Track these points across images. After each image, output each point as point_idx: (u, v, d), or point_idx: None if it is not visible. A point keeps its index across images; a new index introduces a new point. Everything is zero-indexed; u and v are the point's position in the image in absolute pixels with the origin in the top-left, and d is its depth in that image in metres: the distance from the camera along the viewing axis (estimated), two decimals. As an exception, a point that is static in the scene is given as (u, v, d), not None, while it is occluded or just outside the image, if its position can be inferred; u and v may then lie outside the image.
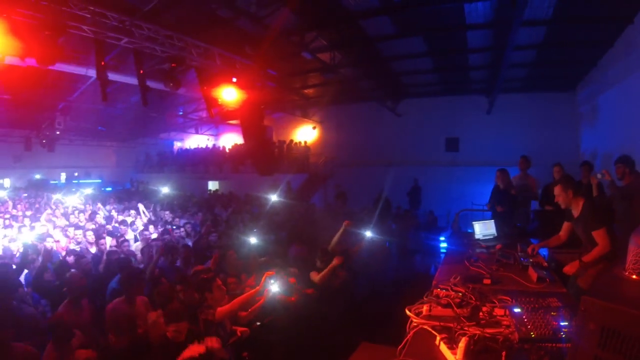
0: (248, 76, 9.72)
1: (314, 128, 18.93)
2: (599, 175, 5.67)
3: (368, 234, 6.71)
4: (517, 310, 2.65)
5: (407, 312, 2.82)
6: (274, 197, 12.26)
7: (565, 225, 4.36)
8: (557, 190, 4.15)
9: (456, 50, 10.97)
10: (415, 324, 2.68)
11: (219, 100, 9.49)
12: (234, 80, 9.31)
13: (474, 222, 5.64)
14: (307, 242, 7.11)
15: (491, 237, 5.49)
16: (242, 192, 15.43)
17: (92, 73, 9.40)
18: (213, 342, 3.59)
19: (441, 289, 3.01)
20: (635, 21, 8.18)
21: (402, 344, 2.56)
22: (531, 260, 3.98)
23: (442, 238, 8.91)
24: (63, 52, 7.59)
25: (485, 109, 14.85)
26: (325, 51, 10.44)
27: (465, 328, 2.49)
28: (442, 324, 2.59)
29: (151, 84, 9.23)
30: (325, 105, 17.15)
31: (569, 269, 3.96)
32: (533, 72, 12.73)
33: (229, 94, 9.26)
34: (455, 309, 2.74)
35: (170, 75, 8.76)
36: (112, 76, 9.32)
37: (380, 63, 12.06)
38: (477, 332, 2.43)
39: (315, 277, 5.69)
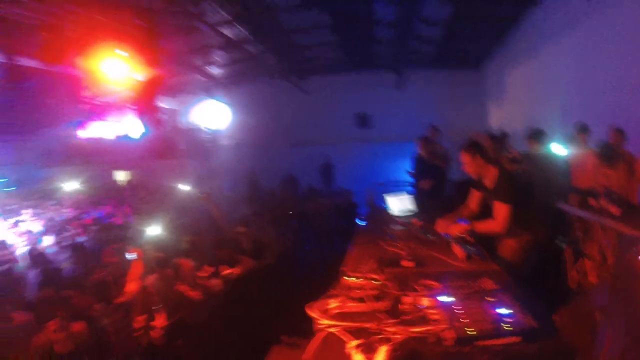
0: (139, 51, 8.57)
1: (221, 110, 17.83)
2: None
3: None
4: (447, 299, 2.08)
5: (310, 311, 2.17)
6: (180, 186, 11.36)
7: (475, 194, 3.79)
8: (464, 157, 3.52)
9: (361, 23, 10.61)
10: (321, 327, 2.05)
11: (104, 78, 8.24)
12: (121, 53, 8.11)
13: (387, 196, 5.10)
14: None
15: (408, 212, 4.98)
16: (152, 181, 14.64)
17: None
18: None
19: (353, 277, 2.41)
20: (540, 3, 8.60)
21: (306, 353, 1.92)
22: (455, 235, 3.45)
23: (359, 216, 8.45)
24: None
25: (394, 85, 14.80)
26: (226, 25, 9.57)
27: (385, 328, 1.89)
28: (355, 325, 1.97)
29: (23, 61, 7.73)
30: (232, 85, 16.23)
31: (454, 229, 3.42)
32: (441, 48, 12.75)
33: (114, 70, 8.02)
34: (371, 303, 2.14)
35: (43, 47, 7.36)
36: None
37: (283, 37, 11.38)
38: (401, 333, 1.84)
39: (226, 271, 5.03)
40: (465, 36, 11.68)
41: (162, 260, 4.92)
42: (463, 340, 1.74)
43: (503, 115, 12.06)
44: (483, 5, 9.46)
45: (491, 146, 6.08)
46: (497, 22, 10.29)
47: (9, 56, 7.32)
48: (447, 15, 9.74)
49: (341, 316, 2.09)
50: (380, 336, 1.84)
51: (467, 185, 4.07)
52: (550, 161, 5.53)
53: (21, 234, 7.90)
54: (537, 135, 5.62)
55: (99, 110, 19.52)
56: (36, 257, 6.10)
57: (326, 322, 2.04)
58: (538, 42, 9.01)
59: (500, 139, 6.62)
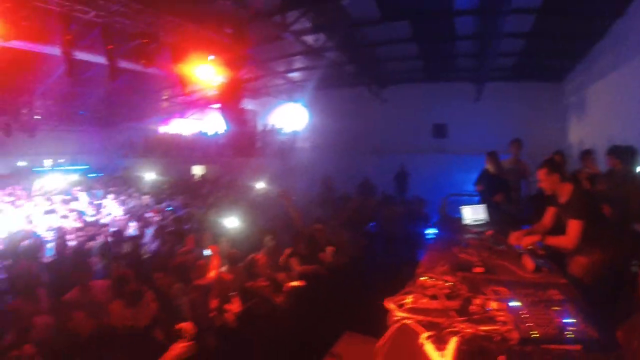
0: (226, 57, 9.23)
1: (300, 113, 18.43)
2: None
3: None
4: (514, 304, 2.28)
5: (388, 304, 2.45)
6: (256, 183, 11.99)
7: (550, 210, 3.91)
8: (541, 174, 3.72)
9: (443, 37, 10.71)
10: (397, 318, 2.32)
11: (194, 79, 8.99)
12: (211, 58, 8.82)
13: (462, 207, 5.26)
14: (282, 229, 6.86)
15: (481, 222, 5.10)
16: (229, 177, 15.21)
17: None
18: (188, 326, 3.33)
19: (427, 277, 2.65)
20: (626, 14, 8.01)
21: (382, 340, 2.20)
22: (526, 247, 3.59)
23: (430, 225, 8.58)
24: (28, 30, 6.91)
25: (472, 97, 14.59)
26: (309, 34, 10.08)
27: (456, 324, 2.13)
28: (428, 319, 2.23)
29: (123, 64, 8.64)
30: (312, 89, 16.55)
31: (526, 241, 3.60)
32: (521, 61, 12.56)
33: (205, 73, 8.76)
34: (443, 301, 2.38)
35: (141, 52, 8.20)
36: (82, 55, 8.69)
37: (364, 48, 11.66)
38: (470, 329, 2.07)
39: (298, 267, 5.40)
40: (546, 49, 11.37)
41: (235, 257, 5.34)
42: (526, 341, 1.96)
43: (584, 130, 11.47)
44: (565, 21, 9.22)
45: (563, 164, 6.02)
46: (579, 38, 9.94)
47: (108, 58, 8.12)
48: (528, 29, 9.61)
49: (415, 311, 2.36)
50: (450, 330, 2.08)
51: (542, 199, 4.15)
52: (631, 180, 5.18)
53: (105, 216, 8.89)
54: (618, 153, 5.25)
55: (182, 107, 21.06)
56: (119, 237, 6.80)
57: (401, 314, 2.31)
58: (621, 54, 8.50)
59: (581, 155, 6.48)
